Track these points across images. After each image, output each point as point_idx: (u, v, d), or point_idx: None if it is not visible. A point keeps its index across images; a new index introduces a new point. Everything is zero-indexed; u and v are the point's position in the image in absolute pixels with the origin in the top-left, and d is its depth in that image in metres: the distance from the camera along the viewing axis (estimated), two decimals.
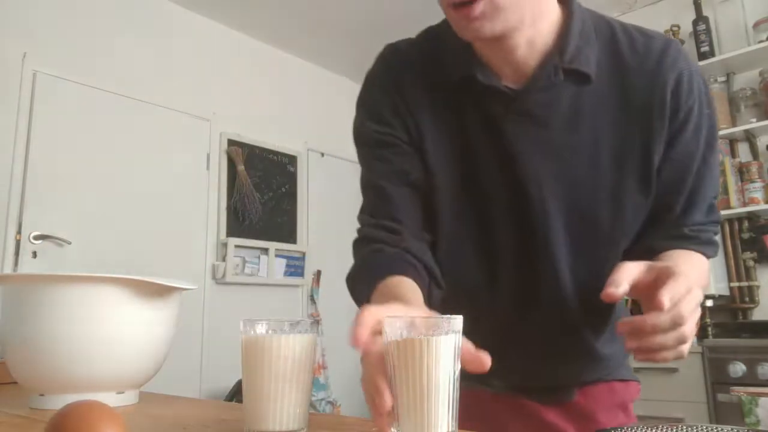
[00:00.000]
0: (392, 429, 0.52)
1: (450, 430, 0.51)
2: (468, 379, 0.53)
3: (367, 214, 0.80)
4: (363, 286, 0.72)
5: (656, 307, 0.54)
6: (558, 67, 0.69)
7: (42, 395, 0.80)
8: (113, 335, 0.78)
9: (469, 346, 0.52)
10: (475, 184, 0.76)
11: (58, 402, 0.70)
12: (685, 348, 0.57)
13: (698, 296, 0.57)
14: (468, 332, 0.52)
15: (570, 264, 0.75)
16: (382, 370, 0.50)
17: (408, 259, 0.74)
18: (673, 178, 0.73)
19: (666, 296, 0.54)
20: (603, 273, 0.60)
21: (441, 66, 0.76)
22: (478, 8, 0.63)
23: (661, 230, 0.75)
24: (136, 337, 0.81)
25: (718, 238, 0.79)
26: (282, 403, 0.57)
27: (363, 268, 0.76)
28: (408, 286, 0.69)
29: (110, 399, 0.80)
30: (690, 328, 0.56)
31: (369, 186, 0.80)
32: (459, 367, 0.51)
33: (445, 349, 0.51)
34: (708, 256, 0.76)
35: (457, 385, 0.51)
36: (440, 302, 0.75)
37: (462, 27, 0.66)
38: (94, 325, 0.77)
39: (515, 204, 0.74)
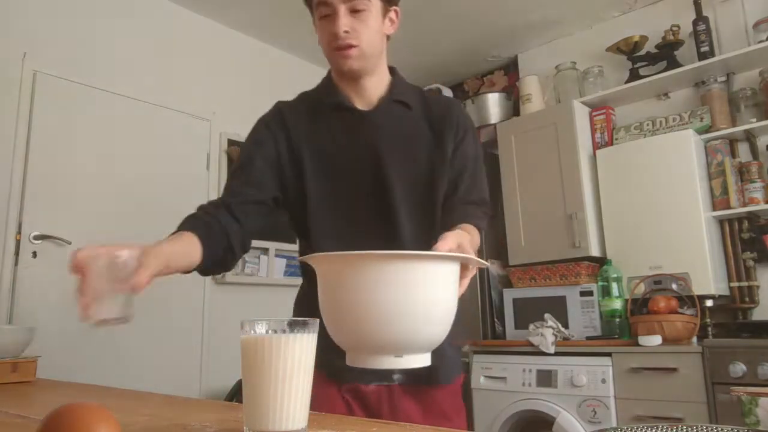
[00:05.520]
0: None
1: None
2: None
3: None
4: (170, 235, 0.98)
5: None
6: (389, 99, 1.17)
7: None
8: (423, 306, 0.74)
9: None
10: (336, 166, 1.13)
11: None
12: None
13: (462, 236, 0.85)
14: None
15: (405, 221, 1.10)
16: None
17: (207, 220, 1.05)
18: (456, 170, 1.15)
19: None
20: (431, 231, 1.04)
21: (317, 100, 1.20)
22: (353, 51, 1.08)
23: (453, 213, 1.11)
24: (442, 307, 0.77)
25: (485, 224, 1.16)
26: (282, 403, 0.57)
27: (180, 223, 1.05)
28: (183, 237, 0.98)
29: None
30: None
31: (235, 165, 1.17)
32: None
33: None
34: (480, 228, 1.11)
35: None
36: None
37: (342, 62, 1.10)
38: (409, 295, 0.73)
39: (369, 177, 1.11)
